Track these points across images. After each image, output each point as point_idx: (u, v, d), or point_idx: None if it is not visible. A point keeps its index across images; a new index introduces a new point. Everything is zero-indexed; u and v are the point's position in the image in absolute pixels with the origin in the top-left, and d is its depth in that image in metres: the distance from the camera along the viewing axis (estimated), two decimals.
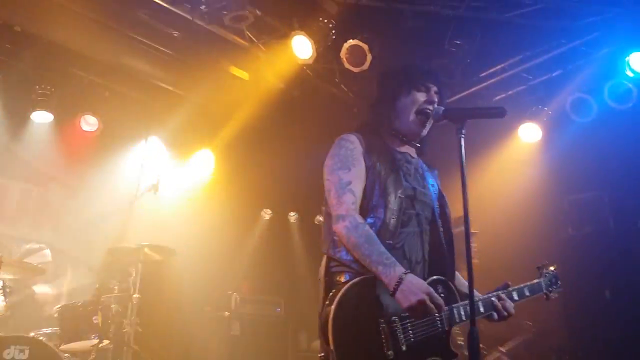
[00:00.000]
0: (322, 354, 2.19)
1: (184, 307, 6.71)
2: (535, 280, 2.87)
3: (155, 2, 5.32)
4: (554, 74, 6.16)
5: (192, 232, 6.79)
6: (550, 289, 2.90)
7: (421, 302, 2.14)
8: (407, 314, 2.20)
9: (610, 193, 6.28)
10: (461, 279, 2.66)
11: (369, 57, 5.70)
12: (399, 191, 2.49)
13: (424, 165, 2.78)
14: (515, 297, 2.68)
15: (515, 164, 6.80)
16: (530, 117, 6.49)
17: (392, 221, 2.43)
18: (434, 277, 2.44)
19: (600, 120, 5.90)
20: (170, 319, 6.53)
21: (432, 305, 2.17)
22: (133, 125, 6.93)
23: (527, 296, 2.77)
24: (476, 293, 2.58)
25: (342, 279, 2.33)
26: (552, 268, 2.96)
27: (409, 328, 2.25)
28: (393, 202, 2.46)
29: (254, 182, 7.55)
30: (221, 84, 6.42)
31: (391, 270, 2.20)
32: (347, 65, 5.80)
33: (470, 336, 2.10)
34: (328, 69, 6.51)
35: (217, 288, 6.87)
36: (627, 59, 5.47)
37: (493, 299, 2.54)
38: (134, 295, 5.36)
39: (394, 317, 2.22)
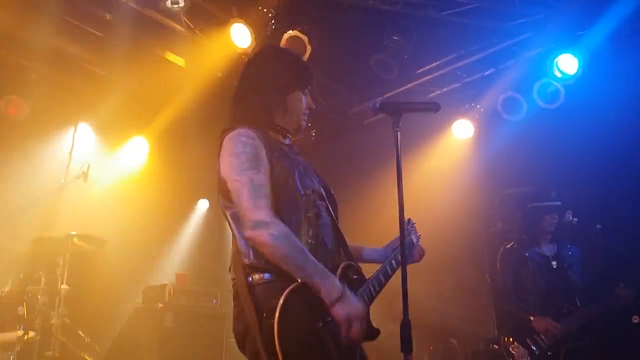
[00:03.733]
0: None
1: (115, 299, 6.53)
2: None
3: None
4: (486, 73, 6.36)
5: (124, 222, 6.61)
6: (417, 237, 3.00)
7: (357, 319, 2.18)
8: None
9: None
10: (356, 246, 2.78)
11: (309, 48, 5.71)
12: (305, 187, 2.47)
13: (297, 151, 2.71)
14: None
15: (449, 160, 6.99)
16: (464, 114, 6.68)
17: (310, 218, 2.41)
18: (344, 264, 2.46)
19: (530, 119, 6.14)
20: (100, 310, 6.35)
21: (363, 328, 2.21)
22: (62, 110, 6.66)
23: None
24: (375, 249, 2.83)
25: (271, 289, 2.22)
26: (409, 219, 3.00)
27: None
28: (304, 199, 2.43)
29: (190, 171, 7.42)
30: (156, 70, 6.24)
31: (329, 282, 2.19)
32: None
33: (403, 327, 2.15)
34: None
35: (150, 279, 6.73)
36: (555, 60, 5.71)
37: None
38: (62, 286, 5.19)
39: (328, 317, 2.22)
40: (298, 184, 2.44)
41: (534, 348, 4.31)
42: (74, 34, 5.77)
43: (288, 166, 2.45)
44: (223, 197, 2.40)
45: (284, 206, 2.36)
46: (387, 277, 2.60)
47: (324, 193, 2.59)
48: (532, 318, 4.39)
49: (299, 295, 2.18)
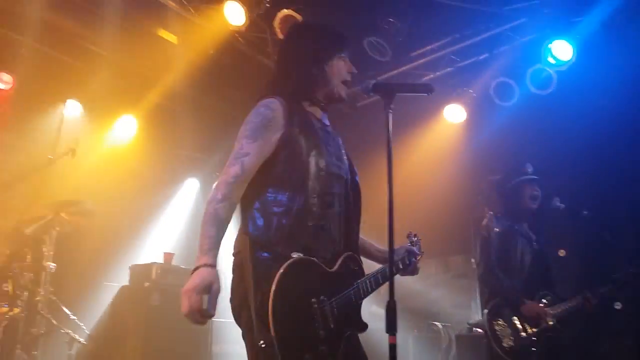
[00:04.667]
0: (262, 342, 2.06)
1: (101, 276, 6.51)
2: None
3: None
4: (480, 58, 6.33)
5: (112, 200, 6.56)
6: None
7: (187, 292, 2.15)
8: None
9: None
10: (365, 241, 2.76)
11: None
12: (322, 168, 2.42)
13: (334, 131, 2.69)
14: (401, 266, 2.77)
15: (440, 144, 6.99)
16: (456, 98, 6.67)
17: (316, 201, 2.37)
18: (346, 253, 2.46)
19: (522, 105, 6.14)
20: (86, 288, 6.32)
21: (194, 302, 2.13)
22: (51, 85, 6.53)
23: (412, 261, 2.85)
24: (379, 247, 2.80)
25: (272, 262, 2.20)
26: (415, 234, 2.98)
27: (334, 306, 2.29)
28: (316, 180, 2.39)
29: (180, 150, 7.37)
30: (148, 46, 6.16)
31: (201, 259, 2.22)
32: (280, 36, 5.72)
33: (388, 308, 2.14)
34: (260, 38, 6.40)
35: (136, 257, 6.70)
36: (549, 46, 5.69)
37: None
38: (48, 264, 5.16)
39: (322, 297, 2.24)
40: (314, 162, 2.41)
41: (519, 329, 4.27)
42: (65, 8, 5.68)
43: (308, 142, 2.42)
44: None
45: (292, 182, 2.37)
46: (385, 279, 2.54)
47: (348, 179, 2.58)
48: (523, 302, 4.26)
49: (300, 268, 2.19)
